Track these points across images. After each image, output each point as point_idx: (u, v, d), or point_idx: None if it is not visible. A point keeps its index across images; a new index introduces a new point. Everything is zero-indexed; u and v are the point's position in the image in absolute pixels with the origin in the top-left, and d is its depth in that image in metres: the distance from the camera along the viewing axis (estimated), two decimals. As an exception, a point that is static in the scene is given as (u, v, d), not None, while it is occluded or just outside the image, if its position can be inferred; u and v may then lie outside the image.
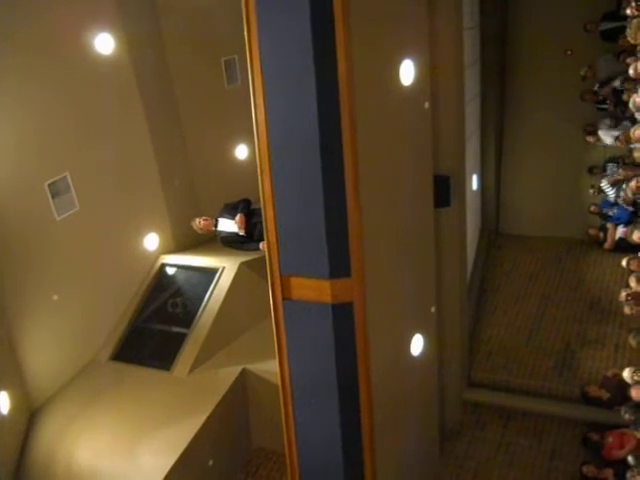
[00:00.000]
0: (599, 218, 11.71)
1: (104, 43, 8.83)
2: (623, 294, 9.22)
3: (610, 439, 7.87)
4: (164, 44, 9.84)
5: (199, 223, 7.54)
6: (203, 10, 10.15)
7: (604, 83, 11.00)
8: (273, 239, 5.48)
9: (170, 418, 8.01)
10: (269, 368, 7.94)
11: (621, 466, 7.54)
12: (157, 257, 10.43)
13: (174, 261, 10.42)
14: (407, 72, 6.04)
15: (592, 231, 11.78)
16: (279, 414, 6.01)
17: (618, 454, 7.72)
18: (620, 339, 9.71)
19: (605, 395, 8.51)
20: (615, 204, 9.83)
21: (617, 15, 10.46)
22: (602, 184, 9.97)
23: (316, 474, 6.08)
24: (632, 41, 8.44)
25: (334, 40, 4.86)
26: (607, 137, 10.58)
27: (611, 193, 9.77)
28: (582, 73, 11.18)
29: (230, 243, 7.59)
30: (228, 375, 8.65)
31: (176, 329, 9.44)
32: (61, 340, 8.81)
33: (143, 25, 9.48)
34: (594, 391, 8.60)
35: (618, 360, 9.35)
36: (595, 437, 8.13)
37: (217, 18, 10.22)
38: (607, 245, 11.53)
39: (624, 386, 7.94)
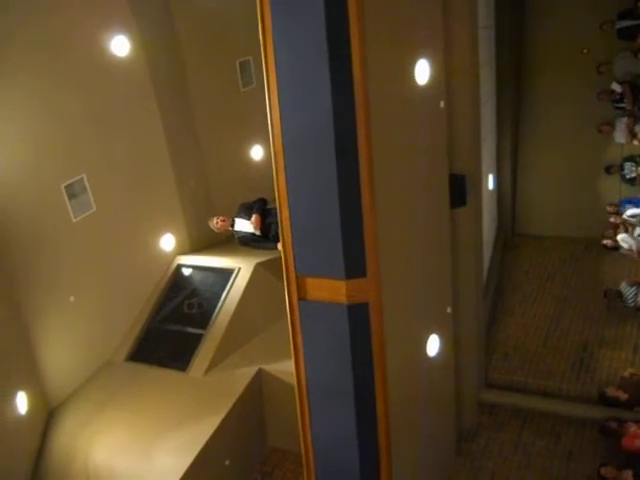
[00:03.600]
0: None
1: (120, 45, 8.90)
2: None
3: (633, 428, 7.78)
4: (179, 46, 9.88)
5: (216, 223, 7.55)
6: (218, 12, 10.18)
7: (622, 81, 10.93)
8: (288, 239, 5.48)
9: (186, 418, 8.04)
10: (285, 368, 7.94)
11: (641, 467, 7.48)
12: (173, 258, 10.47)
13: (190, 262, 10.46)
14: (422, 71, 6.02)
15: (606, 242, 11.50)
16: (295, 414, 6.01)
17: None
18: (638, 340, 9.62)
19: (623, 396, 8.44)
20: (633, 302, 9.74)
21: (634, 13, 10.39)
22: (621, 286, 9.92)
23: (332, 475, 6.06)
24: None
25: (349, 40, 4.85)
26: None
27: (630, 294, 9.69)
28: (597, 67, 11.12)
29: (247, 243, 7.60)
30: (244, 375, 8.66)
31: (192, 330, 9.48)
32: (78, 341, 8.87)
33: (158, 27, 9.52)
34: (612, 392, 8.53)
35: (636, 361, 9.27)
36: (614, 425, 8.06)
37: (232, 20, 10.25)
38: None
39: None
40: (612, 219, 11.07)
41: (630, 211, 10.90)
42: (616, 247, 10.46)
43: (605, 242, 10.54)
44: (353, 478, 5.90)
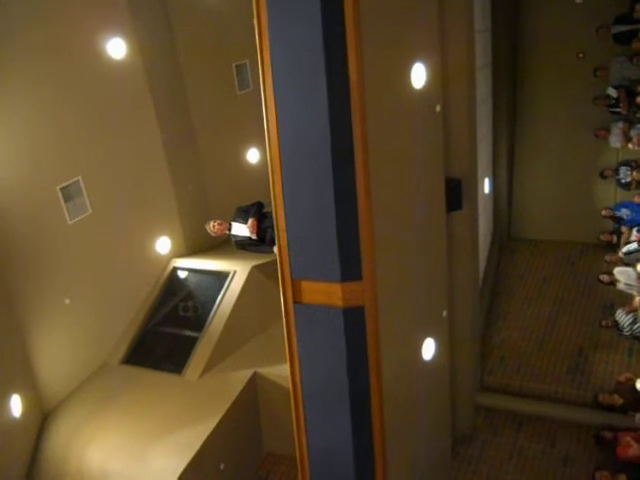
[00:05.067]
0: (612, 222, 11.65)
1: (116, 48, 8.89)
2: (637, 298, 9.16)
3: (627, 438, 7.79)
4: (176, 49, 9.88)
5: (213, 227, 7.55)
6: (215, 15, 10.20)
7: (618, 86, 10.96)
8: (284, 242, 5.47)
9: (181, 421, 8.02)
10: (280, 372, 7.94)
11: (635, 472, 7.47)
12: (169, 260, 10.45)
13: (186, 265, 10.44)
14: (418, 75, 6.02)
15: (603, 237, 11.65)
16: (290, 418, 6.00)
17: (635, 452, 7.63)
18: (633, 343, 9.62)
19: (618, 401, 8.43)
20: (630, 331, 9.75)
21: (630, 18, 10.42)
22: (617, 314, 9.94)
23: (327, 479, 6.05)
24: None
25: (345, 45, 4.85)
26: None
27: (626, 322, 9.70)
28: (594, 71, 11.16)
29: (244, 246, 7.61)
30: (239, 379, 8.65)
31: (187, 333, 9.46)
32: (73, 343, 8.85)
33: (155, 30, 9.52)
34: (607, 399, 8.52)
35: (632, 365, 9.28)
36: (608, 435, 8.06)
37: (229, 23, 10.26)
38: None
39: (638, 391, 7.87)
40: (608, 258, 11.11)
41: (625, 248, 10.94)
42: (612, 282, 10.50)
43: (601, 277, 10.58)
44: (348, 482, 5.89)
